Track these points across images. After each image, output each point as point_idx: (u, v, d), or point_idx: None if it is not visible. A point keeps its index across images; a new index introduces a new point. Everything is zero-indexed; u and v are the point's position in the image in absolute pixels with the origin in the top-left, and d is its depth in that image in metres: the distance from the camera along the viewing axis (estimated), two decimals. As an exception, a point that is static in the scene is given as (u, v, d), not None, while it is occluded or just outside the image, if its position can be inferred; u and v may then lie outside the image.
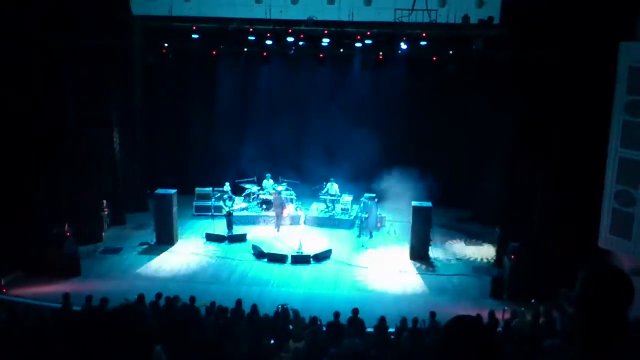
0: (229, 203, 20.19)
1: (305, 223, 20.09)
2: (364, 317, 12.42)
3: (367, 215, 20.00)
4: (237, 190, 21.70)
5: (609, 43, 13.88)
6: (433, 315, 12.66)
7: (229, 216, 20.11)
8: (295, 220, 20.89)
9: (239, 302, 13.12)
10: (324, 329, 11.77)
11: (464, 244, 20.08)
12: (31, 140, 17.10)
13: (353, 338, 9.46)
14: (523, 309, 13.84)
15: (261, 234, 20.38)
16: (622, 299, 2.71)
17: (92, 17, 17.44)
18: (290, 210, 21.31)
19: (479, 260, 18.77)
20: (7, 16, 15.93)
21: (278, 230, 20.66)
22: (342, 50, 19.88)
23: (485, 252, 19.22)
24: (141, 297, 12.93)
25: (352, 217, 21.24)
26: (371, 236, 20.05)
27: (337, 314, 12.12)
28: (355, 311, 12.48)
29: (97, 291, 13.97)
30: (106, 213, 20.29)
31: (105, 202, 20.20)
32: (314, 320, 12.07)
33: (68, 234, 17.33)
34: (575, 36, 14.80)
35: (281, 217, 20.83)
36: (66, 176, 18.14)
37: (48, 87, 17.18)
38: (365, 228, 20.07)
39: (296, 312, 12.86)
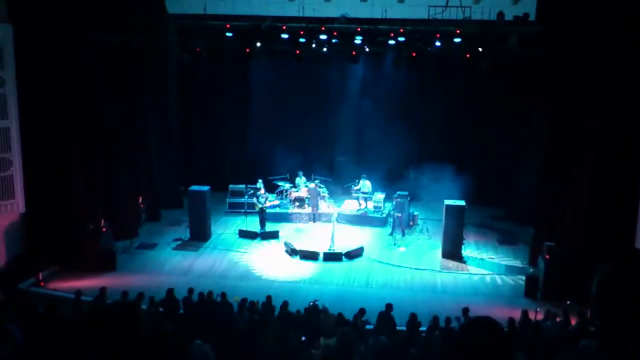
0: (261, 200, 20.33)
1: (337, 220, 20.11)
2: (395, 315, 12.42)
3: (399, 213, 19.94)
4: (270, 187, 21.82)
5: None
6: (466, 311, 12.56)
7: (262, 213, 20.25)
8: (327, 217, 20.93)
9: (268, 298, 13.20)
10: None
11: (497, 243, 19.87)
12: (68, 138, 17.43)
13: (378, 336, 9.45)
14: (556, 309, 13.64)
15: (293, 231, 20.47)
16: (636, 298, 2.62)
17: (127, 16, 17.70)
18: (324, 204, 21.41)
19: (512, 259, 18.55)
20: (43, 16, 16.27)
21: (314, 222, 20.88)
22: (374, 48, 19.80)
23: (519, 252, 18.99)
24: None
25: (384, 215, 21.19)
26: (403, 234, 19.98)
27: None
28: (389, 306, 12.48)
29: (131, 286, 14.23)
30: (141, 209, 20.61)
31: (140, 198, 20.53)
32: (341, 316, 12.08)
33: (104, 229, 17.62)
34: (612, 33, 14.50)
35: (317, 209, 20.95)
36: (102, 172, 18.46)
37: (84, 86, 17.48)
38: (398, 226, 20.01)
39: (325, 309, 12.88)
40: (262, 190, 20.66)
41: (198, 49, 19.87)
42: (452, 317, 12.11)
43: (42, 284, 15.95)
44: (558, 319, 12.76)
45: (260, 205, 20.24)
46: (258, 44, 19.43)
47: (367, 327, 12.09)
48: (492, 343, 2.49)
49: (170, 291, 13.12)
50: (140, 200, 20.50)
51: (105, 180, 18.55)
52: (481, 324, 2.55)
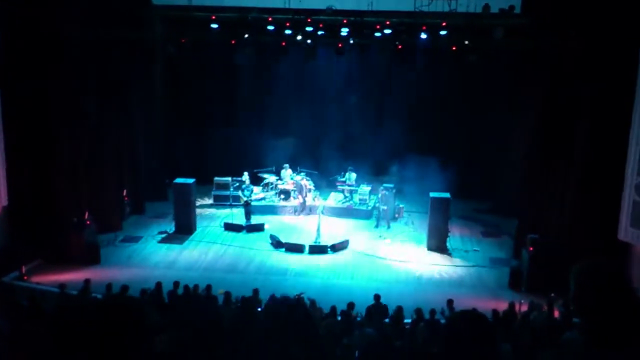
0: (247, 192, 20.28)
1: (322, 213, 20.11)
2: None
3: (384, 206, 19.97)
4: (256, 180, 21.77)
5: (634, 32, 13.67)
6: (450, 302, 12.64)
7: (247, 205, 20.20)
8: (312, 210, 20.93)
9: (255, 291, 13.19)
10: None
11: (482, 235, 19.98)
12: (52, 130, 17.24)
13: (365, 328, 9.47)
14: (540, 301, 13.73)
15: (279, 224, 20.45)
16: (616, 295, 2.62)
17: (113, 7, 17.53)
18: (309, 197, 21.41)
19: (496, 251, 18.65)
20: (28, 10, 16.06)
21: (300, 215, 20.95)
22: (360, 40, 19.79)
23: (503, 244, 19.10)
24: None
25: (369, 207, 21.22)
26: (388, 226, 20.03)
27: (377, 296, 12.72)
28: (377, 297, 12.53)
29: (116, 279, 14.14)
30: (126, 202, 20.47)
31: (125, 190, 20.40)
32: (334, 309, 12.10)
33: (88, 222, 17.46)
34: (598, 25, 14.56)
35: (303, 202, 20.97)
36: (86, 165, 18.29)
37: (68, 79, 17.28)
38: (383, 218, 20.06)
39: (312, 302, 12.88)
40: (248, 183, 20.60)
41: (183, 41, 19.72)
42: (437, 309, 12.17)
43: (26, 277, 15.80)
44: (543, 309, 12.86)
45: (245, 198, 20.19)
46: (244, 36, 19.34)
47: (358, 319, 12.11)
48: (478, 335, 2.50)
49: (158, 284, 13.07)
50: (124, 193, 20.36)
51: (89, 173, 18.36)
52: (467, 317, 2.56)
